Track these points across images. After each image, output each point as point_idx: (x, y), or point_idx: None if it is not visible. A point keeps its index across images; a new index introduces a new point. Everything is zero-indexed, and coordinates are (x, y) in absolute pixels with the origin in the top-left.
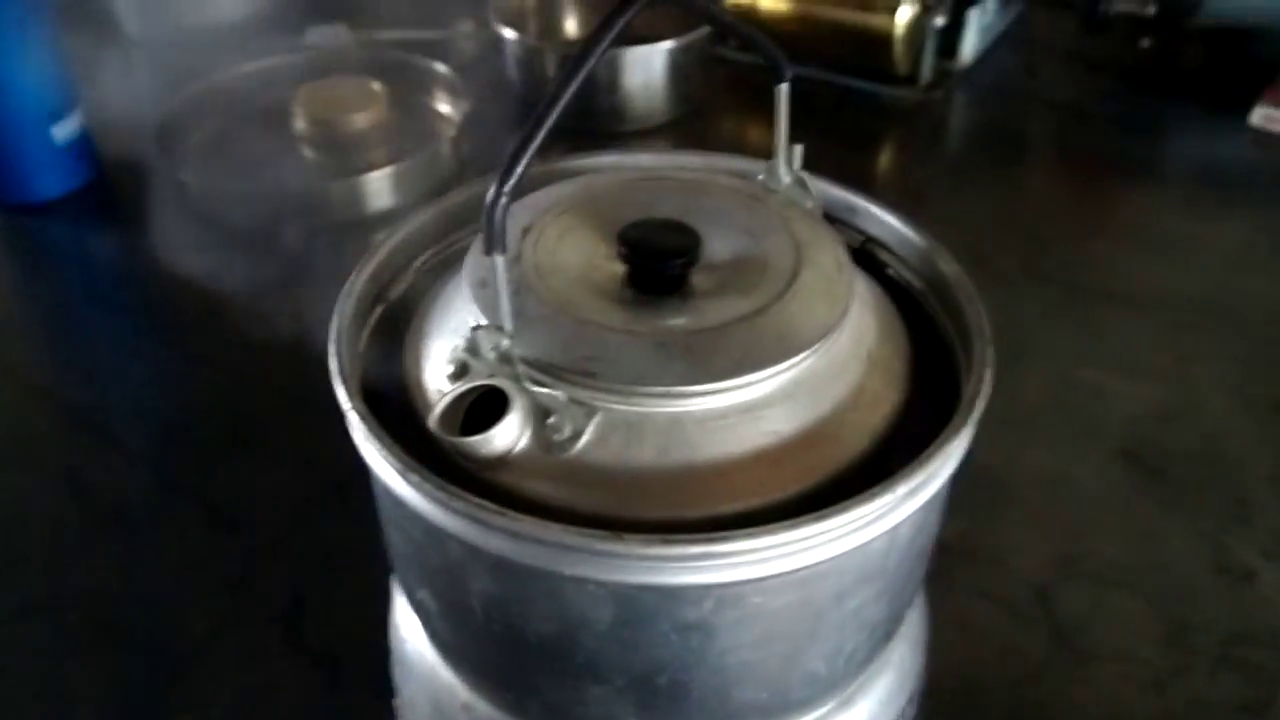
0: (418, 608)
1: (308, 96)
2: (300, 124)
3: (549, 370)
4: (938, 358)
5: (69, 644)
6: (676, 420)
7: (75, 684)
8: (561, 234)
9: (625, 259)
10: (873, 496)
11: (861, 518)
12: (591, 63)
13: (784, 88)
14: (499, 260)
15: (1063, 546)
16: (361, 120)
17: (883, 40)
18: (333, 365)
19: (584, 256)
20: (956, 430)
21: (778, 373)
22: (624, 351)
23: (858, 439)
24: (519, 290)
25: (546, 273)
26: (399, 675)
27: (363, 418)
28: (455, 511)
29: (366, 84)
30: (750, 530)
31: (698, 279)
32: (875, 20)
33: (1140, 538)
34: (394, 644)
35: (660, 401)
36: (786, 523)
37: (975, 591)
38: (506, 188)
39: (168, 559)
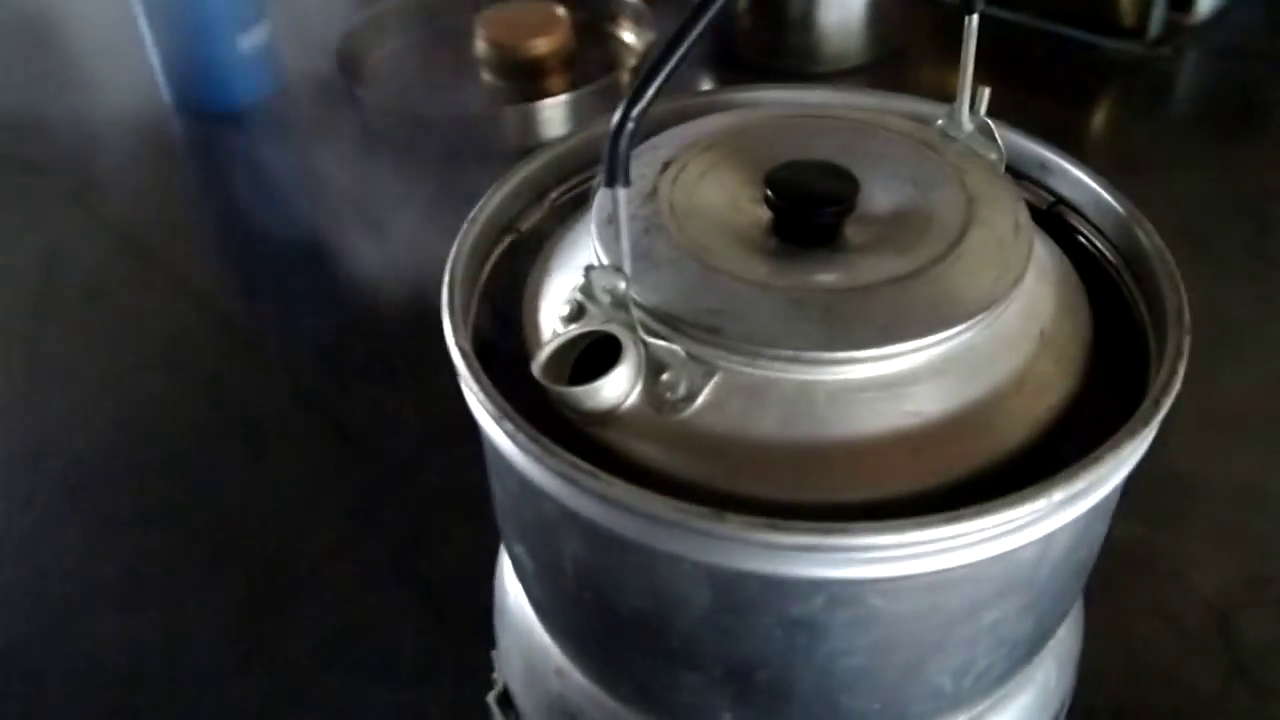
0: (515, 563)
1: (490, 19)
2: (480, 47)
3: (668, 320)
4: (1128, 343)
5: (192, 552)
6: (805, 389)
7: (194, 592)
8: (704, 171)
9: (771, 203)
10: (1024, 500)
11: (1008, 522)
12: None
13: (974, 19)
14: (621, 194)
15: (1254, 567)
16: (542, 46)
17: None
18: (445, 295)
19: (726, 197)
20: (1134, 431)
21: (928, 345)
22: (755, 307)
23: (1016, 429)
24: (649, 230)
25: (682, 213)
26: (499, 626)
27: (464, 355)
28: (547, 467)
29: (550, 9)
30: (875, 524)
31: (851, 231)
32: None
33: None
34: (498, 595)
35: (789, 366)
36: (919, 519)
37: (1146, 608)
38: (634, 113)
39: (294, 477)
